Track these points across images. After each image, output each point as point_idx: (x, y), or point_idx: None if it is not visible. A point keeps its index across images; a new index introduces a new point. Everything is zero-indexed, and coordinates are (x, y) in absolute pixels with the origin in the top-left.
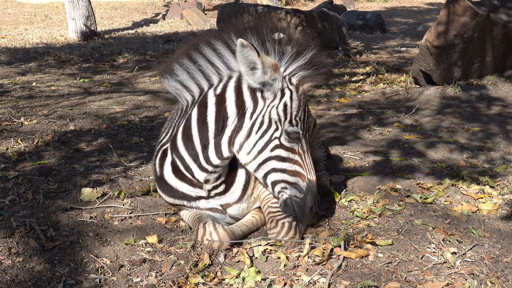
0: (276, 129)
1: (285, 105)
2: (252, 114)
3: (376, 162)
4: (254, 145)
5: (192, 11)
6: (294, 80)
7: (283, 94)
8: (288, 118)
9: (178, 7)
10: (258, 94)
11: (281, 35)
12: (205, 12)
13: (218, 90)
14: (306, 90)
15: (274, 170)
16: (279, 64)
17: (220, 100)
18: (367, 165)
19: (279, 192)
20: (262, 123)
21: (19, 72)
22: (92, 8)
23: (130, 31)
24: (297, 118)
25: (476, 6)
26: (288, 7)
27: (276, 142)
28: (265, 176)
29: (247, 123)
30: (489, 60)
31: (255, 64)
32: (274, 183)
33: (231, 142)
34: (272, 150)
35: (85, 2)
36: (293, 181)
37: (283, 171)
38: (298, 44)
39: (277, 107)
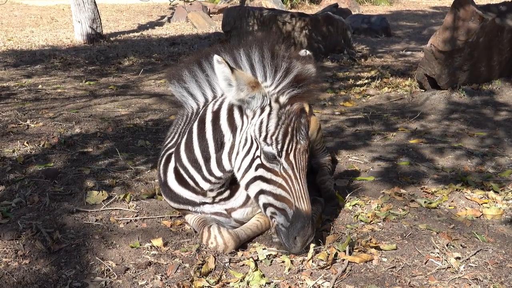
0: (257, 148)
1: (261, 122)
2: (240, 131)
3: (381, 166)
4: (241, 162)
5: (197, 14)
6: (283, 98)
7: (262, 111)
8: (263, 136)
9: (183, 10)
10: (243, 111)
11: (307, 52)
12: (210, 15)
13: (216, 106)
14: (296, 110)
15: (262, 192)
16: (270, 81)
17: (216, 118)
18: (371, 169)
19: (271, 217)
20: (246, 140)
21: (25, 74)
22: (98, 11)
23: (136, 34)
24: (273, 137)
25: (482, 11)
26: (293, 10)
27: (258, 161)
28: (256, 197)
29: (237, 140)
30: (495, 65)
31: (230, 81)
32: (264, 206)
33: (230, 158)
34: (256, 169)
35: (91, 5)
36: (281, 207)
37: (268, 193)
38: (290, 61)
39: (254, 124)
